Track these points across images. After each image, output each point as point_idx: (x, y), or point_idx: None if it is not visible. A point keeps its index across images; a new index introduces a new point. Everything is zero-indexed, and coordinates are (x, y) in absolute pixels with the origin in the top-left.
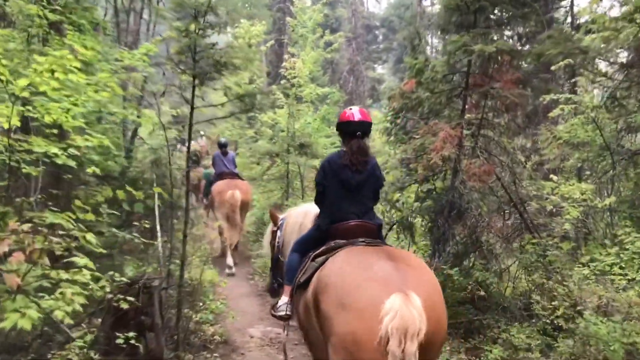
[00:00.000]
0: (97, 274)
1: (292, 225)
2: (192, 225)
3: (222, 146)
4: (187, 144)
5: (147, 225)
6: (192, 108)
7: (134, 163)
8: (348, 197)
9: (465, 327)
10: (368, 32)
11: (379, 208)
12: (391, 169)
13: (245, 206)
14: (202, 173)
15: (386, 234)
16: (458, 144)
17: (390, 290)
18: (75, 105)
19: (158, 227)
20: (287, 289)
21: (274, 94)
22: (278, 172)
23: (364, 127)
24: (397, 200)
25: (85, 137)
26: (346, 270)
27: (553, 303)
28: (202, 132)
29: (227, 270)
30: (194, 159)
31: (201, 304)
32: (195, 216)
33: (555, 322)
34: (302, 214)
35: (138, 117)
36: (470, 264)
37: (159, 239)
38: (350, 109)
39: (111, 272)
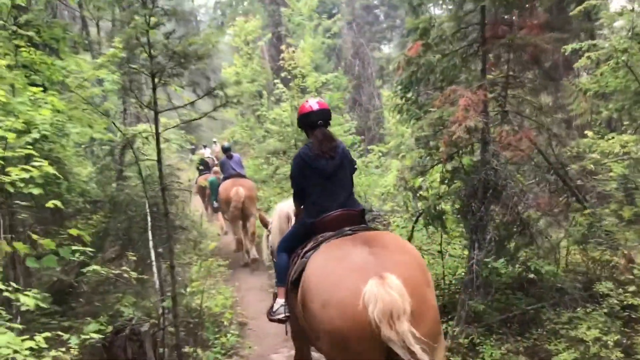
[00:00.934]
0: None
1: (275, 228)
2: (195, 245)
3: (226, 150)
4: (157, 156)
5: (133, 258)
6: (157, 113)
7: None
8: (327, 186)
9: (519, 319)
10: (368, 12)
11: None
12: (408, 151)
13: (250, 202)
14: (207, 180)
15: (413, 227)
16: (483, 110)
17: (367, 277)
18: (18, 131)
19: (153, 256)
20: (281, 290)
21: (277, 88)
22: (289, 170)
23: (324, 116)
24: (420, 187)
25: (25, 167)
26: (325, 266)
27: (623, 285)
28: (214, 139)
29: (241, 263)
30: (200, 168)
31: (212, 336)
32: (199, 233)
33: (626, 301)
34: (277, 217)
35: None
36: (514, 247)
37: (154, 270)
38: (307, 100)
39: (67, 337)
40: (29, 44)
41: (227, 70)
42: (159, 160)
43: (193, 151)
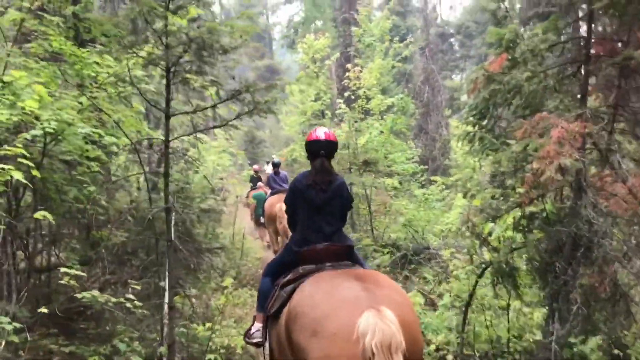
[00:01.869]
0: None
1: None
2: (218, 274)
3: (275, 166)
4: (164, 168)
5: (137, 287)
6: (168, 117)
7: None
8: (315, 217)
9: None
10: (443, 40)
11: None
12: (478, 190)
13: None
14: (251, 196)
15: (476, 281)
16: (581, 146)
17: (362, 310)
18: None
19: (166, 285)
20: (260, 316)
21: (339, 108)
22: None
23: (328, 148)
24: (490, 234)
25: None
26: (315, 297)
27: None
28: (273, 155)
29: None
30: (251, 186)
31: None
32: (230, 259)
33: None
34: None
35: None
36: (604, 319)
37: (166, 301)
38: (316, 129)
39: None
40: (67, 38)
41: (291, 87)
42: (166, 174)
43: (252, 165)
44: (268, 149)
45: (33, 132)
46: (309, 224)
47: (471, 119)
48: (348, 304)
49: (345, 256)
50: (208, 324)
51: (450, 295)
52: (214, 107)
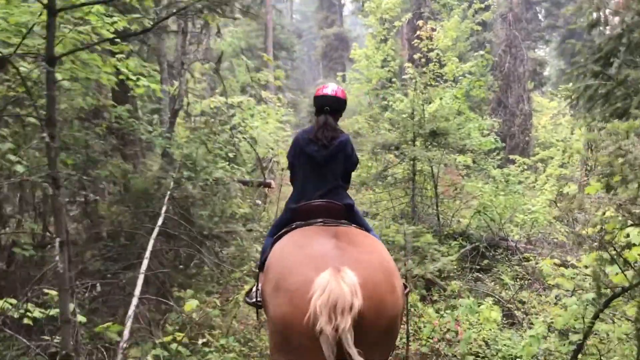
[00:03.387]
0: None
1: None
2: (228, 270)
3: None
4: (47, 109)
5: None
6: (53, 13)
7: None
8: (314, 174)
9: None
10: (528, 8)
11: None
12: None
13: None
14: None
15: (597, 315)
16: None
17: (324, 268)
18: None
19: (138, 287)
20: (259, 275)
21: (407, 73)
22: (403, 173)
23: (335, 104)
24: (629, 246)
25: None
26: (285, 251)
27: None
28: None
29: None
30: None
31: None
32: (242, 244)
33: None
34: None
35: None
36: None
37: (131, 308)
38: (326, 85)
39: None
40: None
41: (355, 52)
42: (51, 119)
43: None
44: None
45: None
46: (309, 181)
47: (592, 66)
48: (313, 261)
49: (343, 215)
50: (203, 341)
51: (545, 322)
52: None
